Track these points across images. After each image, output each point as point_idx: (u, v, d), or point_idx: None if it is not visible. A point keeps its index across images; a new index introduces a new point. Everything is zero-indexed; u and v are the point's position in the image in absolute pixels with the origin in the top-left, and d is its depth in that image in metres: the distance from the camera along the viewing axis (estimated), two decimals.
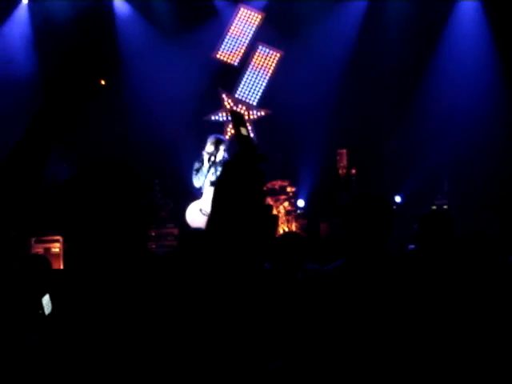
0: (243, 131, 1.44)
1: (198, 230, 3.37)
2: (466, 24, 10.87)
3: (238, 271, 1.36)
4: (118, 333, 1.62)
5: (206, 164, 7.57)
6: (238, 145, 1.44)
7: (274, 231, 1.39)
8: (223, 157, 7.57)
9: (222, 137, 7.87)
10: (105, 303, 1.68)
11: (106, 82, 1.86)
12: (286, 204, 10.10)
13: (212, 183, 7.48)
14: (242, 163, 1.39)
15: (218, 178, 1.43)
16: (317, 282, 2.40)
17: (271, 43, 11.62)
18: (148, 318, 1.60)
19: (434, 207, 9.44)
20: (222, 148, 7.63)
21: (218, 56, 11.61)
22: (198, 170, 7.58)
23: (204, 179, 7.58)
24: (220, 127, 11.44)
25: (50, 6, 10.79)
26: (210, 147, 7.59)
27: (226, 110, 11.56)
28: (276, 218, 1.39)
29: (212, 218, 1.41)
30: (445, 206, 9.52)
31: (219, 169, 7.46)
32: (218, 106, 11.59)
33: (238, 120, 1.46)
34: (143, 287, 1.71)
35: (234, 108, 11.56)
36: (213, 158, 7.52)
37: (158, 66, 11.08)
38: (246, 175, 1.38)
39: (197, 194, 8.13)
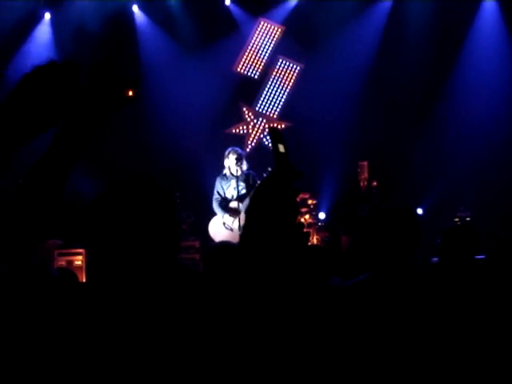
0: (281, 148, 1.44)
1: (224, 244, 3.38)
2: (488, 27, 10.77)
3: (270, 287, 1.36)
4: (144, 346, 1.62)
5: (227, 177, 7.55)
6: (275, 162, 1.44)
7: (304, 249, 1.40)
8: (244, 170, 7.55)
9: (239, 149, 7.82)
10: (135, 317, 1.68)
11: (134, 92, 1.86)
12: (307, 217, 10.07)
13: (236, 198, 7.42)
14: (278, 181, 1.40)
15: (254, 195, 1.43)
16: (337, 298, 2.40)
17: (291, 56, 11.65)
18: (177, 332, 1.60)
19: (457, 219, 9.35)
20: (241, 161, 7.60)
21: (238, 69, 11.66)
22: (219, 193, 7.49)
23: (224, 193, 7.55)
24: (241, 140, 11.47)
25: (72, 21, 10.90)
26: (229, 161, 7.56)
27: (247, 124, 11.59)
28: (307, 235, 1.39)
29: (246, 234, 1.41)
30: (468, 218, 9.42)
31: (241, 183, 7.45)
32: (239, 119, 11.63)
33: (276, 137, 1.47)
34: (175, 300, 1.71)
35: (255, 121, 11.59)
36: (234, 172, 7.50)
37: (179, 80, 11.14)
38: (281, 193, 1.39)
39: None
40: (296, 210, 1.38)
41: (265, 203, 1.38)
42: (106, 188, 1.81)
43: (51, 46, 11.07)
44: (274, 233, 1.35)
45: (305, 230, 1.36)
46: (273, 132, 1.47)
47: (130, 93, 1.86)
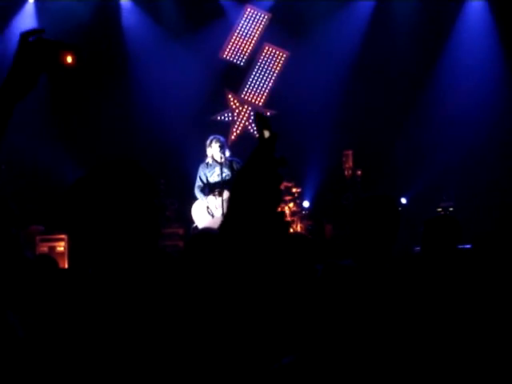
0: (266, 134, 1.43)
1: (206, 230, 3.37)
2: (473, 24, 10.82)
3: (249, 273, 1.36)
4: (126, 332, 1.61)
5: (211, 164, 7.50)
6: (259, 146, 1.43)
7: (285, 236, 1.38)
8: (228, 156, 7.51)
9: (221, 137, 7.76)
10: (115, 302, 1.67)
11: (73, 58, 1.82)
12: (291, 205, 10.08)
13: (220, 184, 7.38)
14: (260, 166, 1.38)
15: (236, 179, 1.41)
16: (337, 275, 2.41)
17: (277, 43, 11.62)
18: (157, 316, 1.59)
19: (440, 209, 9.41)
20: (224, 148, 7.56)
21: (224, 56, 11.61)
22: (201, 179, 7.46)
23: (208, 180, 7.50)
24: (225, 127, 11.44)
25: (56, 6, 10.75)
26: (212, 149, 7.50)
27: (233, 111, 11.56)
28: (288, 224, 1.38)
29: (226, 220, 1.39)
30: (451, 209, 9.48)
31: (225, 170, 7.42)
32: (224, 106, 11.59)
33: (263, 122, 1.45)
34: (154, 286, 1.70)
35: (240, 108, 11.56)
36: (218, 159, 7.46)
37: (164, 66, 11.08)
38: (263, 179, 1.37)
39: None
40: (278, 197, 1.36)
41: (246, 188, 1.36)
42: (87, 172, 1.79)
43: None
44: (255, 219, 1.34)
45: (287, 219, 1.35)
46: (259, 118, 1.46)
47: (69, 59, 1.82)
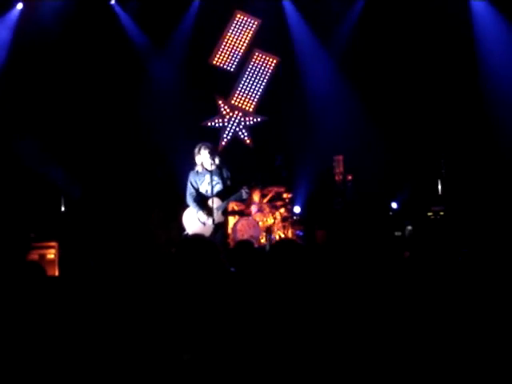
0: None
1: (195, 237, 3.37)
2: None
3: None
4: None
5: (201, 172, 7.44)
6: None
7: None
8: (217, 163, 7.45)
9: (209, 144, 7.65)
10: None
11: None
12: (282, 210, 10.09)
13: (211, 192, 7.33)
14: None
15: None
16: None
17: (268, 49, 11.62)
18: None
19: (431, 213, 9.42)
20: (214, 154, 7.49)
21: (214, 62, 11.60)
22: (193, 186, 7.41)
23: (198, 189, 7.45)
24: (216, 133, 11.44)
25: (40, 17, 10.62)
26: (201, 157, 7.44)
27: (223, 117, 11.55)
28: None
29: None
30: (441, 213, 9.50)
31: (214, 177, 7.38)
32: (215, 112, 11.58)
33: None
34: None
35: (231, 114, 11.55)
36: (208, 167, 7.41)
37: (155, 73, 11.08)
38: None
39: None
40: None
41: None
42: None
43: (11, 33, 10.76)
44: None
45: None
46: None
47: None
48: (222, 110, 11.60)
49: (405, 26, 10.68)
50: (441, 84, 10.61)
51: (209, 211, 7.33)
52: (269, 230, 9.56)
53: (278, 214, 10.02)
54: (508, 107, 10.12)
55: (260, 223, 9.73)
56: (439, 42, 10.61)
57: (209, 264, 2.55)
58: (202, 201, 7.44)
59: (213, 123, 11.55)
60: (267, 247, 8.70)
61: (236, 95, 11.63)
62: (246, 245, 4.58)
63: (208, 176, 7.42)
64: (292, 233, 9.98)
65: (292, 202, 10.40)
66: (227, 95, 11.63)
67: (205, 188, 7.49)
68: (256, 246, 9.24)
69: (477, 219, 9.19)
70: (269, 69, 11.64)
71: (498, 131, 10.16)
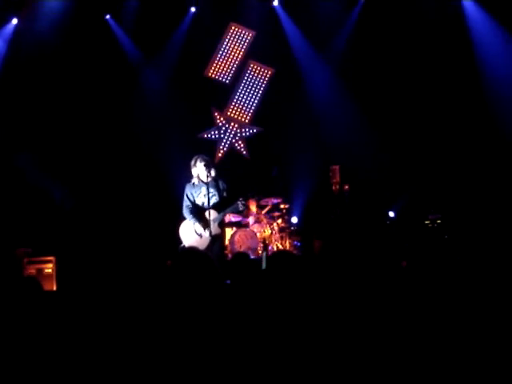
0: None
1: (191, 249, 3.38)
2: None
3: None
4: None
5: (197, 185, 7.45)
6: None
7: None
8: (213, 175, 7.45)
9: (205, 156, 7.66)
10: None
11: None
12: (280, 221, 10.09)
13: (208, 205, 7.32)
14: None
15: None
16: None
17: (263, 60, 11.66)
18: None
19: (428, 222, 9.43)
20: (210, 167, 7.49)
21: (209, 74, 11.64)
22: (189, 199, 7.41)
23: (194, 201, 7.45)
24: (212, 145, 11.45)
25: (37, 30, 10.65)
26: (197, 169, 7.44)
27: (219, 128, 11.57)
28: None
29: None
30: (438, 221, 9.51)
31: (211, 190, 7.39)
32: (211, 124, 11.60)
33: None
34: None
35: (227, 126, 11.57)
36: (204, 179, 7.41)
37: (150, 85, 11.11)
38: None
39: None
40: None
41: None
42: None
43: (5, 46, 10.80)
44: None
45: None
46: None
47: None
48: (218, 121, 11.62)
49: (401, 33, 10.68)
50: (439, 91, 10.62)
51: (205, 223, 7.34)
52: (266, 242, 9.55)
53: (275, 225, 10.02)
54: (508, 112, 10.12)
55: (258, 234, 9.73)
56: (436, 47, 10.61)
57: (203, 276, 2.55)
58: (198, 213, 7.44)
59: (209, 135, 11.57)
60: (263, 260, 8.67)
61: (232, 107, 11.66)
62: (242, 257, 4.58)
63: (204, 188, 7.43)
64: (290, 243, 9.97)
65: (289, 213, 10.40)
66: (223, 107, 11.66)
67: (201, 200, 7.49)
68: (254, 257, 9.23)
69: (474, 227, 9.19)
70: (264, 80, 11.68)
71: (497, 137, 10.16)
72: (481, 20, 10.70)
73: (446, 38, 10.55)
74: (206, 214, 7.36)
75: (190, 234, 7.46)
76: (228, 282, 4.33)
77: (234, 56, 11.69)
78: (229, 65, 11.68)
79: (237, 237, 9.52)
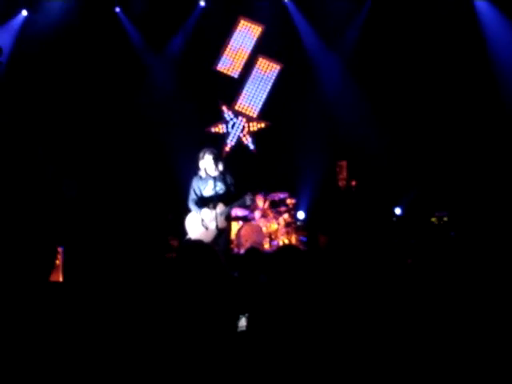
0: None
1: (196, 242, 3.38)
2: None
3: None
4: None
5: (204, 178, 7.44)
6: None
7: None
8: (221, 169, 7.45)
9: (213, 149, 7.65)
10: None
11: None
12: (286, 216, 10.09)
13: (215, 198, 7.32)
14: None
15: None
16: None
17: (271, 55, 11.65)
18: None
19: (434, 219, 9.41)
20: (218, 160, 7.48)
21: (218, 68, 11.63)
22: (195, 192, 7.41)
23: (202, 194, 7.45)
24: (220, 139, 11.46)
25: (43, 26, 10.68)
26: (205, 162, 7.43)
27: (227, 123, 11.58)
28: None
29: None
30: (445, 218, 9.49)
31: (218, 183, 7.38)
32: (219, 118, 11.61)
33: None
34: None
35: (235, 120, 11.58)
36: (211, 173, 7.40)
37: (158, 78, 11.12)
38: None
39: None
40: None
41: None
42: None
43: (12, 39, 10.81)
44: None
45: None
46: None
47: None
48: (226, 115, 11.62)
49: (412, 29, 10.64)
50: (450, 88, 10.58)
51: (213, 206, 7.30)
52: (272, 236, 9.56)
53: (281, 220, 10.02)
54: None
55: (264, 229, 9.73)
56: (447, 43, 10.57)
57: (208, 269, 2.56)
58: (204, 202, 7.43)
59: (216, 129, 11.58)
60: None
61: (240, 101, 11.65)
62: (255, 252, 4.59)
63: (211, 182, 7.42)
64: (296, 238, 9.98)
65: (296, 208, 10.40)
66: (231, 101, 11.66)
67: (208, 193, 7.48)
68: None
69: (481, 225, 9.17)
70: (272, 74, 11.66)
71: (508, 135, 10.11)
72: (493, 17, 10.64)
73: (458, 33, 10.49)
74: (213, 207, 7.34)
75: (196, 226, 7.45)
76: (235, 274, 4.34)
77: (242, 50, 11.68)
78: (237, 59, 11.68)
79: (243, 231, 9.53)
